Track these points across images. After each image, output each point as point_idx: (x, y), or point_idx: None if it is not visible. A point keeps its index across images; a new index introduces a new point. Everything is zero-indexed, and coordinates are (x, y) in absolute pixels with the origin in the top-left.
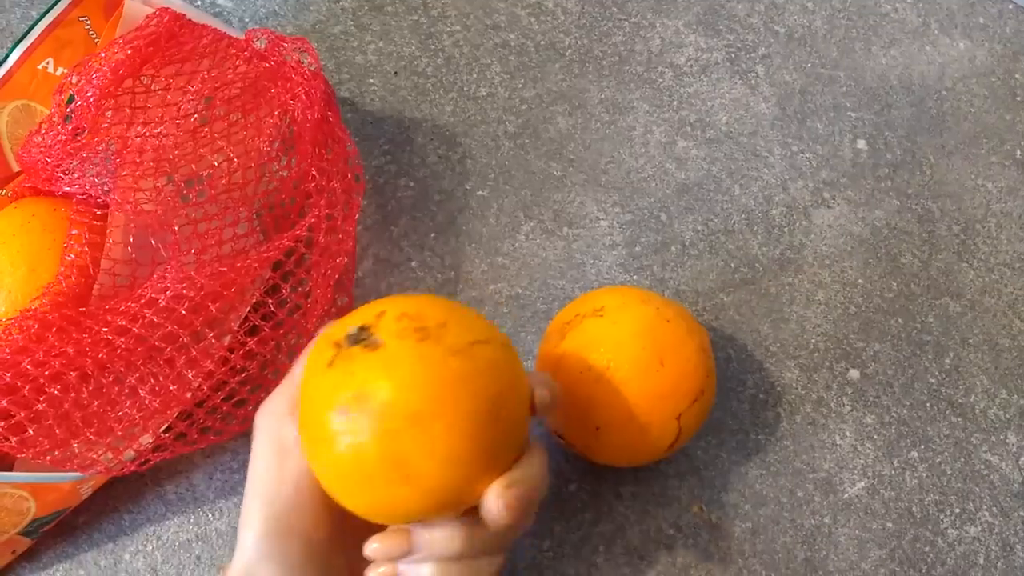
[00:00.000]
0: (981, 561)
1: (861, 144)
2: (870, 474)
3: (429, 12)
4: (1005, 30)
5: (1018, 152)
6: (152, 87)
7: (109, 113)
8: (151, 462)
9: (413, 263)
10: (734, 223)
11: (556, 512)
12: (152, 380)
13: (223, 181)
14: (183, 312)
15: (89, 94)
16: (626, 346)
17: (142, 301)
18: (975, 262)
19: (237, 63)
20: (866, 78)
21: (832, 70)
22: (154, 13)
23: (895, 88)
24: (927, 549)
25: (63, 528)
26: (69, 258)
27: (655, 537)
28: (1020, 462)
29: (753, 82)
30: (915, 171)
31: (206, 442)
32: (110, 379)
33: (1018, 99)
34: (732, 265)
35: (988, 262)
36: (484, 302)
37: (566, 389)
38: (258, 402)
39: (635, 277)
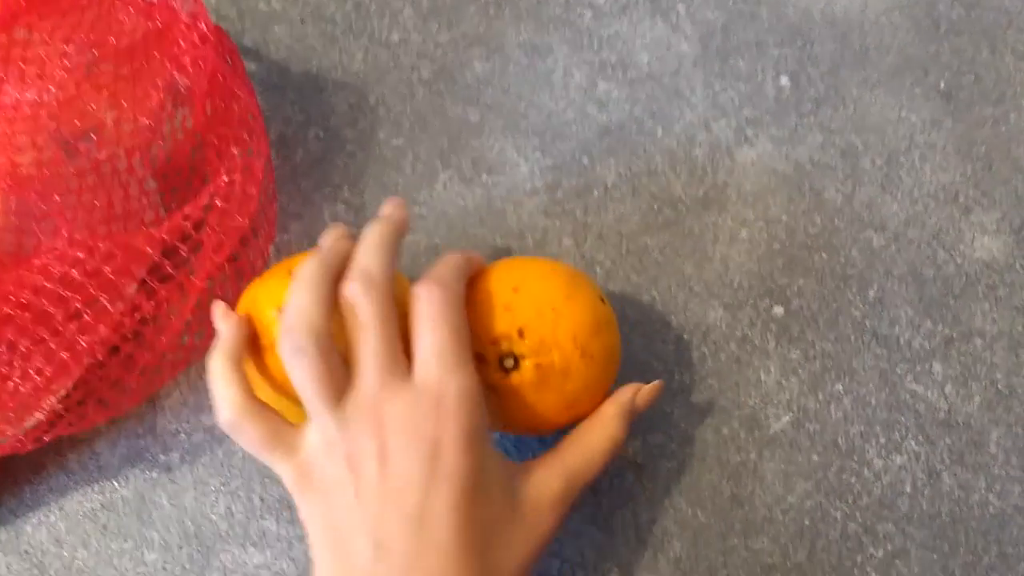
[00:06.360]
0: (908, 489)
1: (784, 80)
2: (795, 408)
3: None
4: None
5: (941, 84)
6: (29, 41)
7: None
8: (44, 440)
9: (325, 216)
10: (656, 164)
11: None
12: (45, 348)
13: (110, 143)
14: (78, 277)
15: None
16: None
17: (35, 269)
18: (899, 194)
19: (123, 19)
20: (788, 13)
21: (754, 6)
22: None
23: (818, 23)
24: (853, 480)
25: None
26: None
27: None
28: (946, 390)
29: (674, 21)
30: (838, 106)
31: (104, 416)
32: (2, 347)
33: (941, 30)
34: (655, 207)
35: (912, 194)
36: (401, 255)
37: None
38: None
39: (557, 222)
